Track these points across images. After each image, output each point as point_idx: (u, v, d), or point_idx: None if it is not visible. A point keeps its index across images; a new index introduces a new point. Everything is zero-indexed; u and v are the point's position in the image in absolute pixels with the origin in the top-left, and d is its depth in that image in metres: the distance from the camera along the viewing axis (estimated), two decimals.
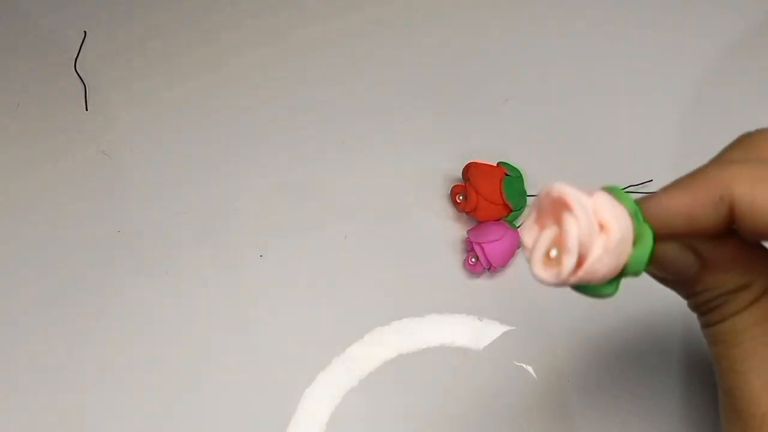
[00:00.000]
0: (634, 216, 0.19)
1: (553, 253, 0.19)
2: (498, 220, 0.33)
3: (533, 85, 0.38)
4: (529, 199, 0.34)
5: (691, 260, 0.20)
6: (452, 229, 0.35)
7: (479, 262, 0.32)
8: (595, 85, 0.38)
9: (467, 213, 0.33)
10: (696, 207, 0.19)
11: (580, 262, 0.19)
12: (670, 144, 0.36)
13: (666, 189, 0.20)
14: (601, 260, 0.18)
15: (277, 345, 0.33)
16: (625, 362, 0.32)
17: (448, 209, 0.35)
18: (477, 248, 0.32)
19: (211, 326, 0.33)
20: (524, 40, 0.39)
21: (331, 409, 0.32)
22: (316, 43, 0.39)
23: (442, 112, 0.37)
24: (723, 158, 0.20)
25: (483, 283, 0.34)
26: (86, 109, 0.38)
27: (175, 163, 0.36)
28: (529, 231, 0.20)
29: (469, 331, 0.33)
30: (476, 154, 0.35)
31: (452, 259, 0.34)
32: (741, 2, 0.40)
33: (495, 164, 0.34)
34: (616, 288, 0.20)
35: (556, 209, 0.19)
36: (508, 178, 0.33)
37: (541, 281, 0.19)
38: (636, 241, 0.19)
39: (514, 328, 0.33)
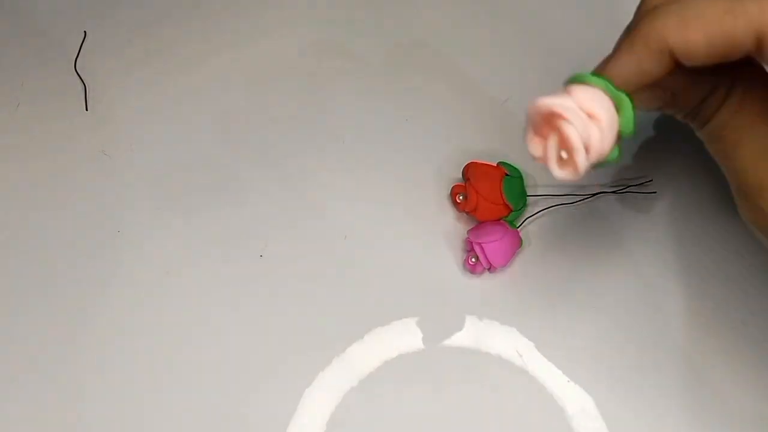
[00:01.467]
0: (608, 91, 0.23)
1: (564, 155, 0.23)
2: (498, 220, 0.33)
3: (533, 85, 0.38)
4: (530, 199, 0.34)
5: (661, 94, 0.25)
6: (452, 229, 0.35)
7: (479, 262, 0.32)
8: None
9: (467, 213, 0.33)
10: (644, 65, 0.23)
11: (586, 150, 0.22)
12: (670, 144, 0.36)
13: (613, 56, 0.23)
14: (602, 142, 0.22)
15: (276, 345, 0.33)
16: (625, 362, 0.32)
17: (448, 209, 0.35)
18: (477, 248, 0.32)
19: (211, 326, 0.33)
20: (524, 40, 0.39)
21: (331, 409, 0.32)
22: (316, 41, 0.39)
23: (442, 112, 0.37)
24: (647, 5, 0.24)
25: (483, 283, 0.34)
26: (86, 109, 0.38)
27: (175, 163, 0.36)
28: (533, 144, 0.24)
29: (469, 331, 0.33)
30: (476, 154, 0.35)
31: (452, 259, 0.34)
32: None
33: (495, 164, 0.34)
34: (619, 153, 0.23)
35: (548, 120, 0.23)
36: (508, 178, 0.33)
37: (564, 180, 0.23)
38: (618, 109, 0.23)
39: (514, 328, 0.33)
